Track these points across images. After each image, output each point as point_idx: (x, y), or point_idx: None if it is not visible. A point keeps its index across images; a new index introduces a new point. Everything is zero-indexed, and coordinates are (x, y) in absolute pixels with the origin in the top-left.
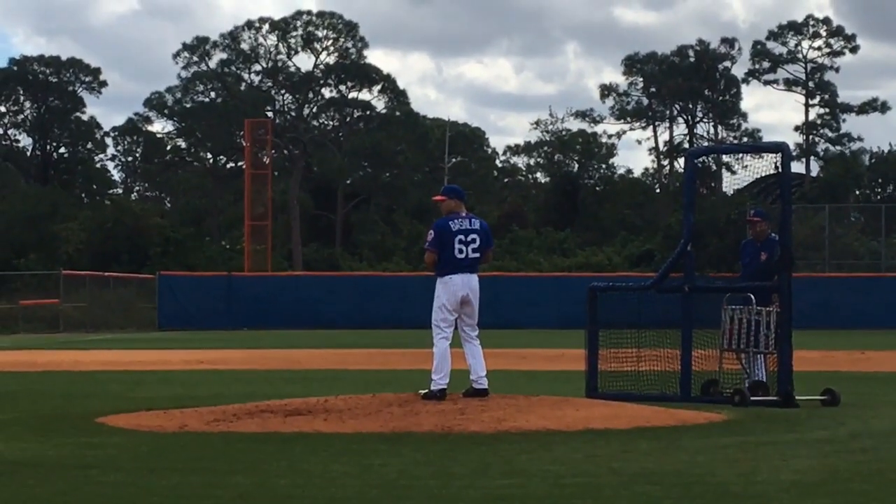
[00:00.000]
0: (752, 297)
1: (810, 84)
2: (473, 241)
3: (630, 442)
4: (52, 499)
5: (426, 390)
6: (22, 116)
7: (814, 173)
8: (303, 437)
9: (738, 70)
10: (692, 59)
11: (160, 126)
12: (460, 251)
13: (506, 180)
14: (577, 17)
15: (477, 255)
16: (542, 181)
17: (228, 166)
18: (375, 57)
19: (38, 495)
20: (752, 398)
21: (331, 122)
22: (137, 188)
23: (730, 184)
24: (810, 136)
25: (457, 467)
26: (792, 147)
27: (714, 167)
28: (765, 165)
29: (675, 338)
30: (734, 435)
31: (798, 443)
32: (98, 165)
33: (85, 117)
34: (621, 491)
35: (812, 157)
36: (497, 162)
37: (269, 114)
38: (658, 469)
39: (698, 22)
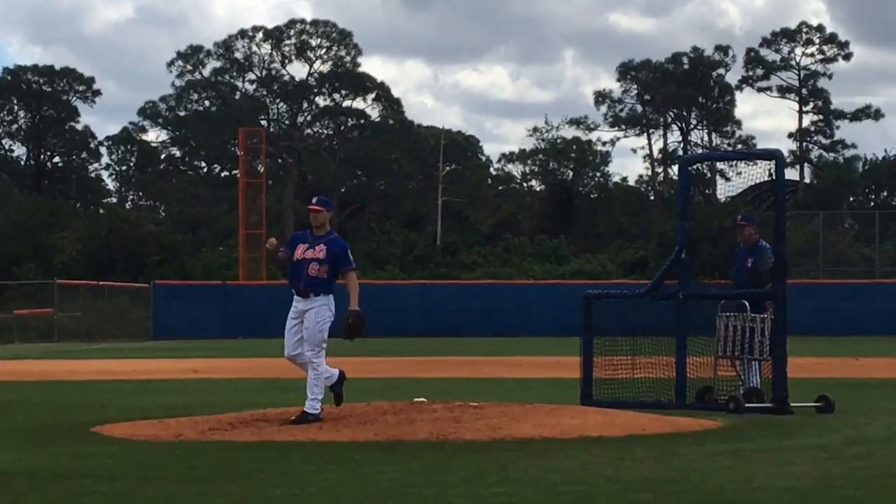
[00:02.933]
0: (746, 304)
1: (804, 91)
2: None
3: (625, 449)
4: None
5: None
6: (16, 126)
7: (807, 180)
8: (298, 445)
9: (732, 77)
10: (686, 67)
11: (154, 135)
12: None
13: (500, 188)
14: (574, 25)
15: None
16: (537, 189)
17: (223, 175)
18: (372, 64)
19: None
20: (746, 405)
21: (325, 131)
22: (132, 197)
23: (724, 191)
24: (804, 143)
25: (452, 475)
26: (786, 154)
27: (708, 174)
28: (759, 172)
29: (670, 345)
30: (729, 442)
31: (793, 450)
32: (92, 175)
33: (79, 126)
34: (616, 498)
35: (806, 164)
36: (491, 170)
37: (263, 122)
38: (653, 476)
39: (695, 29)
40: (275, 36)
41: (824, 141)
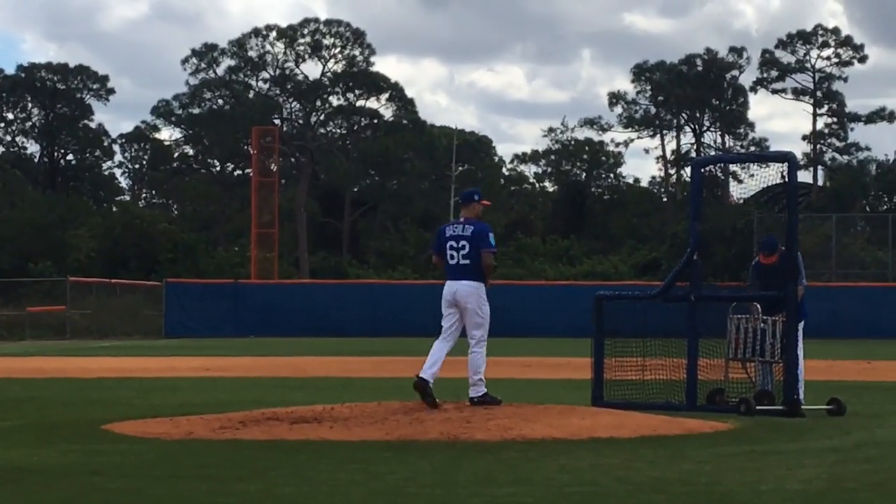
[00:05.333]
0: (759, 306)
1: (818, 93)
2: (463, 247)
3: (635, 451)
4: None
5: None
6: (30, 123)
7: (821, 183)
8: (308, 444)
9: (747, 79)
10: (700, 68)
11: (168, 133)
12: (451, 257)
13: (513, 188)
14: (591, 25)
15: (467, 261)
16: (550, 189)
17: (236, 174)
18: (387, 63)
19: (43, 501)
20: (757, 407)
21: (338, 130)
22: (145, 195)
23: (737, 193)
24: (818, 146)
25: (462, 475)
26: (799, 156)
27: (721, 176)
28: (772, 175)
29: (681, 347)
30: (740, 444)
31: (803, 452)
32: (105, 172)
33: (93, 124)
34: (626, 500)
35: (819, 167)
36: (504, 170)
37: (277, 121)
38: (663, 478)
39: (712, 29)
40: (289, 35)
41: (838, 143)
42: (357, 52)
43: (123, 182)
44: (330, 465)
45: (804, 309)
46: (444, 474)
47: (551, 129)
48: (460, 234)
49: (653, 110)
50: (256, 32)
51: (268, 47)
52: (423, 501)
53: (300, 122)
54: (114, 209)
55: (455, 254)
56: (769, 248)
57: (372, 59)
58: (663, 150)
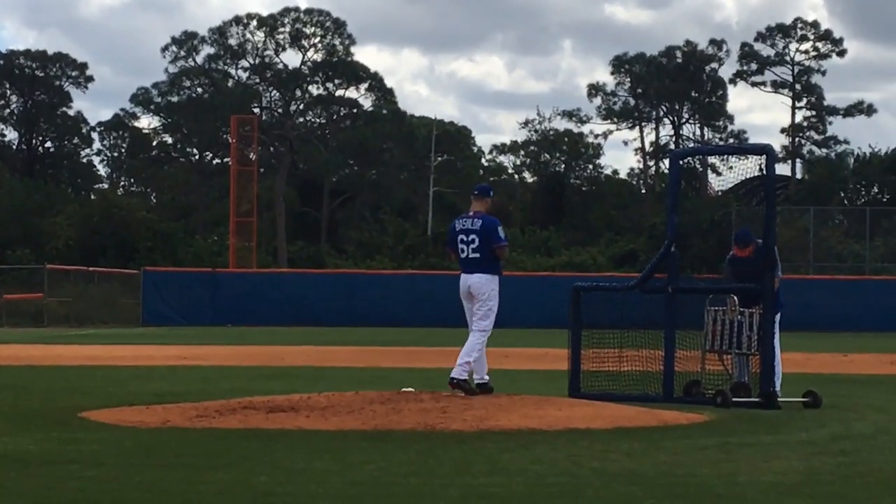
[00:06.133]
0: (735, 298)
1: (797, 86)
2: (473, 240)
3: (612, 442)
4: (34, 493)
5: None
6: (8, 111)
7: (799, 176)
8: (285, 433)
9: (726, 71)
10: (679, 60)
11: (146, 121)
12: (462, 251)
13: (491, 179)
14: (571, 15)
15: (477, 254)
16: (529, 180)
17: (214, 162)
18: (367, 53)
19: (19, 489)
20: (733, 399)
21: (317, 120)
22: (123, 183)
23: (715, 185)
24: (796, 139)
25: (438, 466)
26: (778, 149)
27: (700, 168)
28: (750, 167)
29: (658, 338)
30: (716, 436)
31: (779, 444)
32: (84, 160)
33: (71, 112)
34: (602, 491)
35: (798, 160)
36: (483, 161)
37: (256, 110)
38: (639, 469)
39: (692, 21)
40: (269, 23)
41: (817, 136)
42: (337, 42)
43: (102, 170)
44: (306, 455)
45: (779, 300)
46: (421, 464)
47: (528, 122)
48: (469, 228)
49: (632, 102)
50: (237, 21)
51: (248, 36)
52: (399, 491)
53: (279, 111)
54: (92, 197)
55: (465, 248)
56: (743, 240)
57: (352, 48)
58: (642, 142)
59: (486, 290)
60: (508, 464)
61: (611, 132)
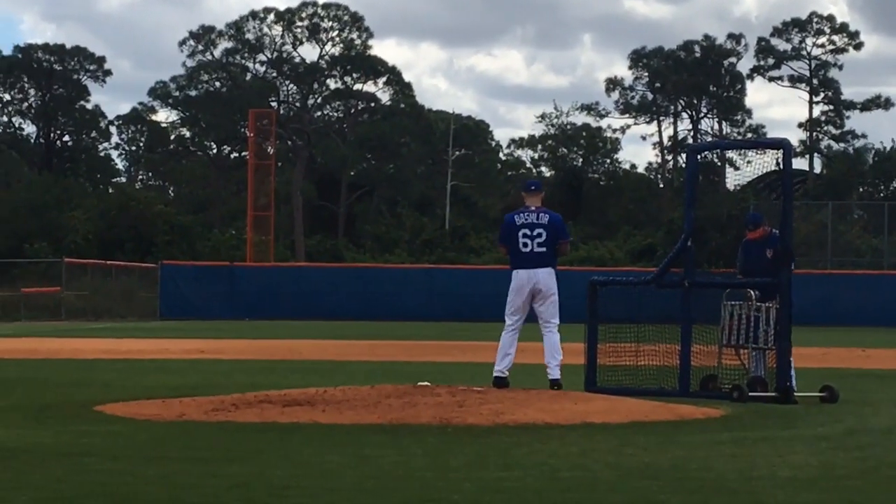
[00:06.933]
0: (752, 292)
1: (814, 81)
2: (539, 234)
3: (627, 436)
4: (48, 486)
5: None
6: (26, 104)
7: (817, 170)
8: (301, 427)
9: (745, 66)
10: (698, 55)
11: (164, 115)
12: (525, 245)
13: (509, 173)
14: (591, 9)
15: (543, 248)
16: (547, 175)
17: (232, 156)
18: (386, 47)
19: (34, 482)
20: (750, 394)
21: (335, 114)
22: (141, 177)
23: (732, 179)
24: (814, 133)
25: (453, 459)
26: (795, 144)
27: (718, 163)
28: (768, 162)
29: (675, 333)
30: (732, 430)
31: (795, 439)
32: (102, 154)
33: (89, 106)
34: (617, 485)
35: (816, 154)
36: (501, 155)
37: (274, 104)
38: (655, 464)
39: (712, 16)
40: (286, 17)
41: (834, 131)
42: (355, 36)
43: (120, 164)
44: (321, 449)
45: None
46: (436, 458)
47: (544, 116)
48: (535, 223)
49: (650, 96)
50: (254, 15)
51: (265, 30)
52: (415, 485)
53: (297, 105)
54: (110, 191)
55: (529, 242)
56: (753, 222)
57: (370, 42)
58: (660, 137)
59: (553, 286)
60: (523, 458)
61: (629, 126)
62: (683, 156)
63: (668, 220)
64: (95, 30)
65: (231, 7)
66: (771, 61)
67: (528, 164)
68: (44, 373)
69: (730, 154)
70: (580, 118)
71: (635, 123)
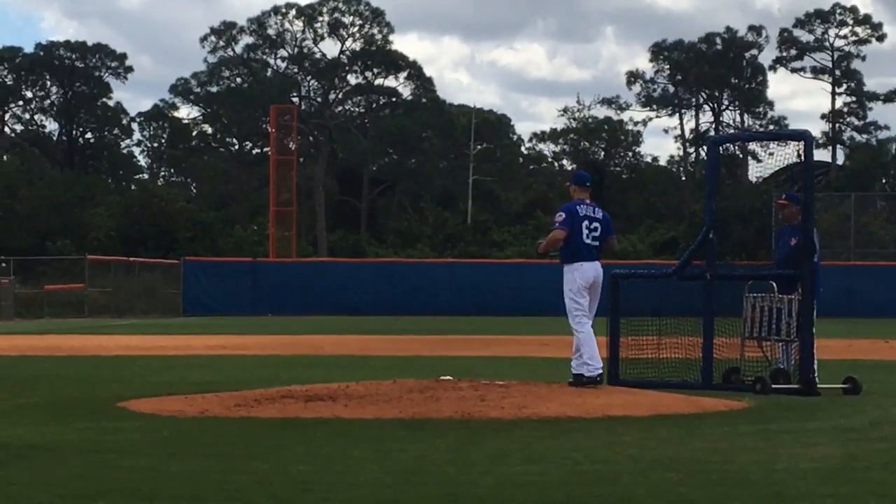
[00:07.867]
0: (774, 284)
1: (837, 72)
2: (595, 228)
3: (650, 429)
4: (71, 482)
5: (574, 377)
6: (48, 102)
7: (840, 162)
8: (323, 422)
9: (766, 57)
10: (719, 47)
11: (186, 112)
12: (587, 236)
13: (531, 167)
14: (613, 2)
15: (596, 243)
16: (569, 168)
17: (254, 152)
18: (408, 41)
19: (56, 478)
20: (773, 386)
21: (356, 109)
22: (163, 174)
23: (755, 171)
24: (837, 125)
25: (475, 454)
26: (818, 135)
27: (740, 155)
28: (790, 153)
29: (697, 325)
30: (754, 423)
31: (818, 431)
32: (124, 151)
33: (111, 103)
34: (640, 478)
35: (838, 146)
36: (523, 149)
37: (295, 100)
38: (677, 456)
39: (735, 8)
40: (307, 13)
41: (857, 122)
42: (375, 31)
43: (142, 160)
44: (344, 444)
45: (816, 286)
46: (458, 452)
47: (566, 109)
48: (593, 216)
49: (671, 89)
50: (275, 10)
51: (287, 25)
52: (437, 480)
53: (318, 100)
54: (132, 188)
55: (589, 234)
56: (793, 197)
57: (391, 37)
58: (682, 129)
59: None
60: (545, 451)
61: (650, 119)
62: (705, 148)
63: (690, 213)
64: (117, 27)
65: (252, 3)
66: (793, 52)
67: (550, 158)
68: (67, 370)
69: (752, 146)
70: (602, 111)
71: (657, 116)
